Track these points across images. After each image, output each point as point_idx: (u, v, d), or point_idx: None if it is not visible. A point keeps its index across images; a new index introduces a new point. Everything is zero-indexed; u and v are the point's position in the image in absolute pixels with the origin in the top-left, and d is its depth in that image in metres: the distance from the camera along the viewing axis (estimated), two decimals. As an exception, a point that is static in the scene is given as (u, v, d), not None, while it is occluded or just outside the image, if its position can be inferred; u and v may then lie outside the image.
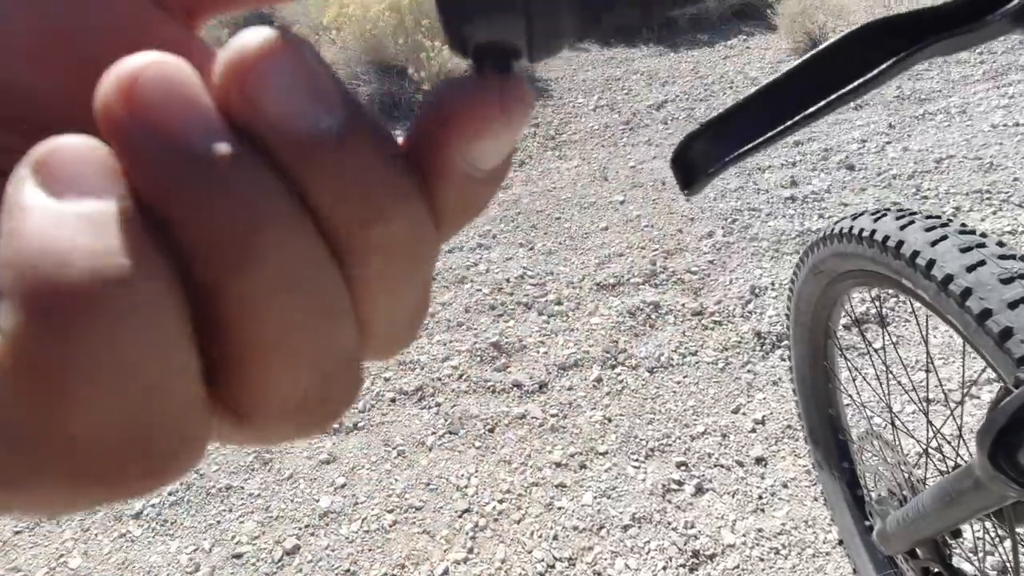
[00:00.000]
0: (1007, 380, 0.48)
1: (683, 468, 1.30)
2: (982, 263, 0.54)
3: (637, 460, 1.33)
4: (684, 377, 1.52)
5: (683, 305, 1.74)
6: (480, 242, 2.21)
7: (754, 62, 3.26)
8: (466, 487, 1.32)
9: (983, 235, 0.59)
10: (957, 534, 0.68)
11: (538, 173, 2.57)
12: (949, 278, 0.55)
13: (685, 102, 2.95)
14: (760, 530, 1.17)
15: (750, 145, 0.20)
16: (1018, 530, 0.60)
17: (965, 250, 0.56)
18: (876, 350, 0.99)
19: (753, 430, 1.36)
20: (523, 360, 1.64)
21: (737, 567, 1.10)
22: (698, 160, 0.20)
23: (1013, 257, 0.55)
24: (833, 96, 0.18)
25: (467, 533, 1.22)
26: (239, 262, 0.08)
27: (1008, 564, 0.62)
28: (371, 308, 0.10)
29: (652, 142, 2.66)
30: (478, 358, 1.66)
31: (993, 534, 0.66)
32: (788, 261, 1.89)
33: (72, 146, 0.07)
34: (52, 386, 0.07)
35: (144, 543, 1.30)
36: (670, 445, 1.35)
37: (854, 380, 1.09)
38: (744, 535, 1.16)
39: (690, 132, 0.21)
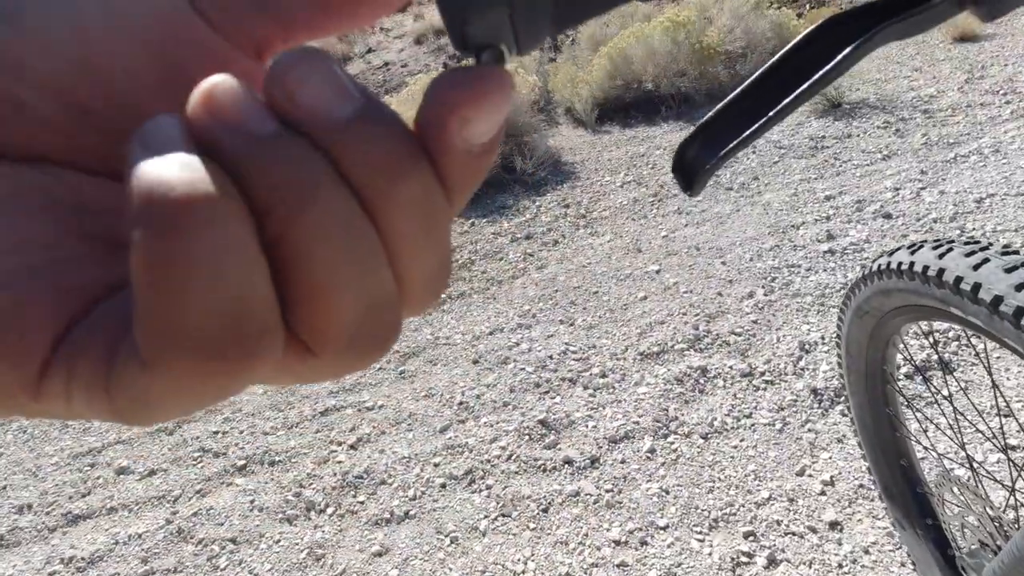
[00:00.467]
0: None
1: (751, 538, 1.22)
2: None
3: (701, 532, 1.26)
4: (741, 441, 1.45)
5: (731, 367, 1.70)
6: (520, 322, 2.24)
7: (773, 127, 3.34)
8: (523, 572, 1.26)
9: (1024, 255, 0.58)
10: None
11: (572, 251, 2.63)
12: (999, 299, 0.54)
13: (710, 170, 3.01)
14: (846, 603, 1.07)
15: (738, 140, 0.22)
16: None
17: (1010, 270, 0.55)
18: (945, 397, 0.95)
19: (823, 492, 1.28)
20: (572, 436, 1.61)
21: (825, 646, 1.01)
22: (695, 163, 0.22)
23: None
24: (802, 88, 0.20)
25: (528, 622, 1.16)
26: (295, 214, 0.11)
27: None
28: (400, 262, 0.12)
29: (681, 211, 2.70)
30: (526, 437, 1.64)
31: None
32: (835, 314, 1.84)
33: (166, 120, 0.10)
34: (169, 280, 0.09)
35: (201, 650, 1.27)
36: (734, 514, 1.28)
37: (924, 430, 1.03)
38: (828, 610, 1.07)
39: (683, 140, 0.23)
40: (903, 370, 1.49)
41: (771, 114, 0.21)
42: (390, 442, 1.76)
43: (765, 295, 1.99)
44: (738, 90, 0.23)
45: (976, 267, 0.57)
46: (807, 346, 1.71)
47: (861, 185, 2.51)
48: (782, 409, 1.51)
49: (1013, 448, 1.15)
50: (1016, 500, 0.68)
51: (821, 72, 0.19)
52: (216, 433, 2.03)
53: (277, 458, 1.80)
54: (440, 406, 1.86)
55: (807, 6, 5.69)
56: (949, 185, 2.32)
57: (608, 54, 4.27)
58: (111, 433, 2.20)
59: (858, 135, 2.93)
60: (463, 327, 2.31)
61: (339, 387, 2.10)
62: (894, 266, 0.69)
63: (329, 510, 1.55)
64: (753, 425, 1.49)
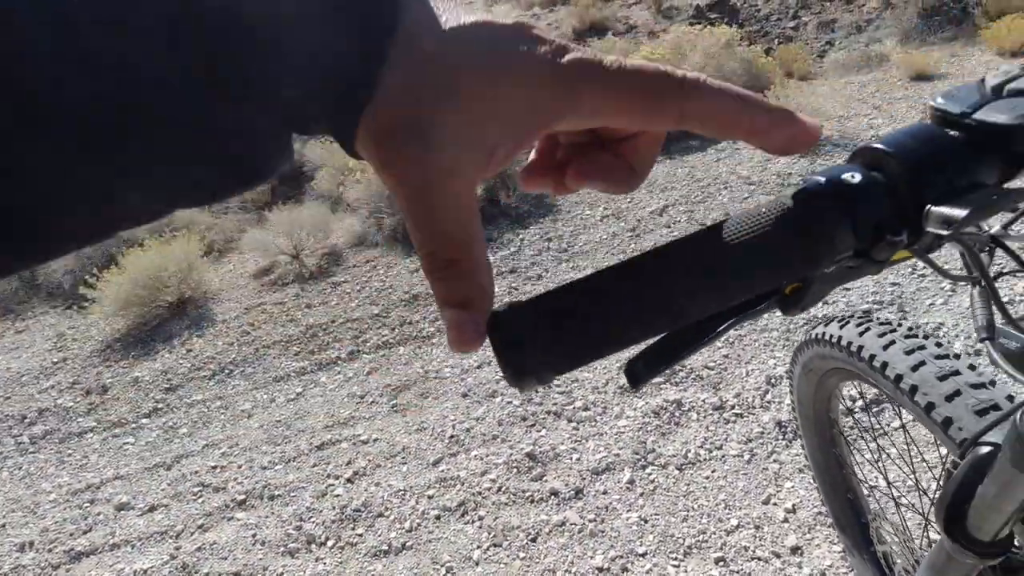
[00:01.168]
0: (952, 461, 0.59)
1: (721, 564, 1.34)
2: (923, 363, 0.66)
3: (676, 559, 1.38)
4: (712, 472, 1.58)
5: (704, 401, 1.83)
6: (506, 355, 2.35)
7: (744, 162, 3.52)
8: (515, 599, 1.37)
9: (925, 336, 0.71)
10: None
11: (555, 285, 2.75)
12: (900, 377, 0.67)
13: (685, 205, 3.17)
14: (805, 622, 1.19)
15: (674, 361, 0.33)
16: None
17: (909, 352, 0.68)
18: (875, 436, 1.08)
19: (785, 519, 1.41)
20: (558, 468, 1.72)
21: (786, 662, 1.13)
22: (641, 371, 0.33)
23: (947, 356, 0.67)
24: (716, 332, 0.32)
25: (520, 646, 1.26)
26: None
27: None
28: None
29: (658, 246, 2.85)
30: (515, 469, 1.75)
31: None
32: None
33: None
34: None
35: None
36: (706, 541, 1.40)
37: (859, 465, 1.17)
38: (790, 629, 1.19)
39: (632, 357, 0.34)
40: (859, 403, 1.63)
41: (697, 344, 0.32)
42: (385, 475, 1.85)
43: (736, 331, 2.14)
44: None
45: (885, 347, 0.71)
46: (773, 380, 1.85)
47: (824, 222, 2.68)
48: (750, 441, 1.65)
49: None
50: (926, 534, 0.81)
51: (701, 341, 0.31)
52: (215, 468, 2.11)
53: (276, 492, 1.89)
54: (432, 439, 1.97)
55: (776, 41, 5.97)
56: (903, 224, 2.50)
57: (587, 89, 4.45)
58: (108, 469, 2.26)
59: (821, 173, 3.12)
60: (452, 361, 2.41)
61: (334, 421, 2.19)
62: (827, 337, 0.82)
63: (329, 543, 1.63)
64: (724, 456, 1.62)
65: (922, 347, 0.69)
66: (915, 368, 0.67)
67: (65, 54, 0.16)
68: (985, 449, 0.50)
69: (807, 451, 1.14)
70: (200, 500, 1.96)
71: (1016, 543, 0.55)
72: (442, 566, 1.49)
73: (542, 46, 0.21)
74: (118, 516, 2.00)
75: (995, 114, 0.25)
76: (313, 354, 2.70)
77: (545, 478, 1.70)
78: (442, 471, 1.81)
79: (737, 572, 1.32)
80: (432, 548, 1.55)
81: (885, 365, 0.70)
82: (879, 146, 0.25)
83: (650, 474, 1.62)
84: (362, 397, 2.30)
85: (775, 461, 1.57)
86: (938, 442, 0.63)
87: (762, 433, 1.66)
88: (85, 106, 0.17)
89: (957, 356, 0.67)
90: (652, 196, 3.38)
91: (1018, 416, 0.43)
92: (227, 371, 2.72)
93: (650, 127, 0.23)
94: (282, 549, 1.65)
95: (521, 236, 3.26)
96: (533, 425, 1.92)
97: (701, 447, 1.66)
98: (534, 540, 1.51)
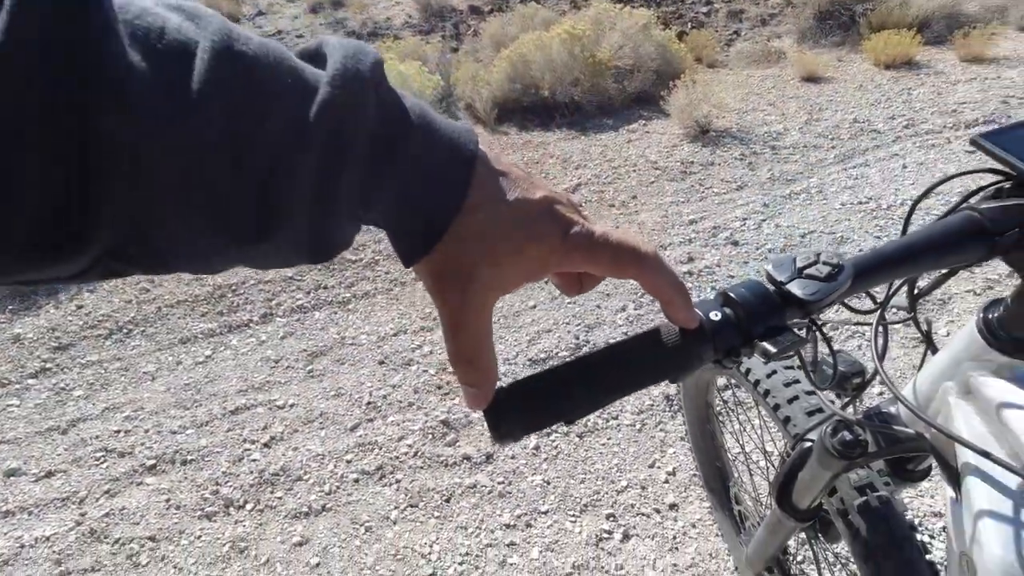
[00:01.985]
0: (786, 450, 0.77)
1: (612, 519, 1.55)
2: (775, 372, 0.84)
3: (574, 516, 1.57)
4: (608, 439, 1.79)
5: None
6: (423, 325, 2.44)
7: (653, 146, 3.74)
8: (430, 554, 1.51)
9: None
10: (786, 552, 0.96)
11: (471, 256, 2.85)
12: (758, 382, 0.85)
13: (596, 185, 3.35)
14: (675, 565, 1.42)
15: (561, 418, 0.42)
16: (826, 547, 0.89)
17: (766, 362, 0.86)
18: (738, 416, 1.30)
19: (667, 481, 1.64)
20: (470, 434, 1.86)
21: (658, 599, 1.35)
22: (513, 417, 0.35)
23: (792, 368, 0.85)
24: (609, 397, 0.43)
25: (434, 595, 1.41)
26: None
27: (821, 566, 0.90)
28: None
29: (570, 224, 3.01)
30: (430, 435, 1.87)
31: (810, 550, 0.95)
32: (688, 329, 2.23)
33: None
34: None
35: (130, 639, 1.39)
36: (600, 500, 1.60)
37: (726, 439, 1.40)
38: (663, 571, 1.42)
39: (500, 387, 0.35)
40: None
41: (583, 410, 0.42)
42: (303, 440, 1.91)
43: (635, 309, 2.35)
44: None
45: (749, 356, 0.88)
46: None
47: (718, 212, 2.96)
48: (642, 412, 1.87)
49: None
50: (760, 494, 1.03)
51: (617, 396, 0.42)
52: (118, 432, 2.06)
53: (189, 457, 1.89)
54: (350, 405, 2.04)
55: (688, 25, 6.24)
56: (783, 219, 2.81)
57: (509, 58, 4.48)
58: (-6, 431, 2.14)
59: (719, 164, 3.40)
60: (368, 327, 2.47)
61: (248, 386, 2.19)
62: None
63: (248, 506, 1.69)
64: (619, 426, 1.83)
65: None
66: (769, 376, 0.84)
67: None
68: (807, 444, 0.68)
69: (686, 424, 1.35)
70: (104, 465, 1.92)
71: (824, 508, 0.74)
72: (361, 525, 1.60)
73: (557, 224, 0.31)
74: (8, 483, 1.92)
75: (796, 288, 0.38)
76: (222, 315, 2.64)
77: (458, 444, 1.84)
78: (360, 436, 1.90)
79: (624, 525, 1.53)
80: (351, 509, 1.65)
81: (748, 371, 0.87)
82: (732, 295, 0.38)
83: (553, 441, 1.80)
84: (277, 361, 2.31)
85: (661, 430, 1.79)
86: (781, 434, 0.81)
87: (652, 406, 1.88)
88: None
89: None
90: (567, 173, 3.53)
91: (824, 428, 0.60)
92: (126, 331, 2.61)
93: (611, 277, 0.34)
94: (199, 513, 1.69)
95: (439, 204, 3.31)
96: (447, 394, 2.04)
97: (600, 416, 1.86)
98: (448, 501, 1.65)
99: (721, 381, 1.55)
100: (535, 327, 2.32)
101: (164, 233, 0.23)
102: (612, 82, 4.48)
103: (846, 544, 0.71)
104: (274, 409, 2.06)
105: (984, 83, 4.06)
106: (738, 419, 1.19)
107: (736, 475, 1.26)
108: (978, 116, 3.58)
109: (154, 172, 0.22)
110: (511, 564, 1.47)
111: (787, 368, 0.85)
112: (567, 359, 0.40)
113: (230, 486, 1.76)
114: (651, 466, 1.69)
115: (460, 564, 1.48)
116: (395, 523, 1.60)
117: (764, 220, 2.83)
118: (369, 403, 2.03)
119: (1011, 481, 0.41)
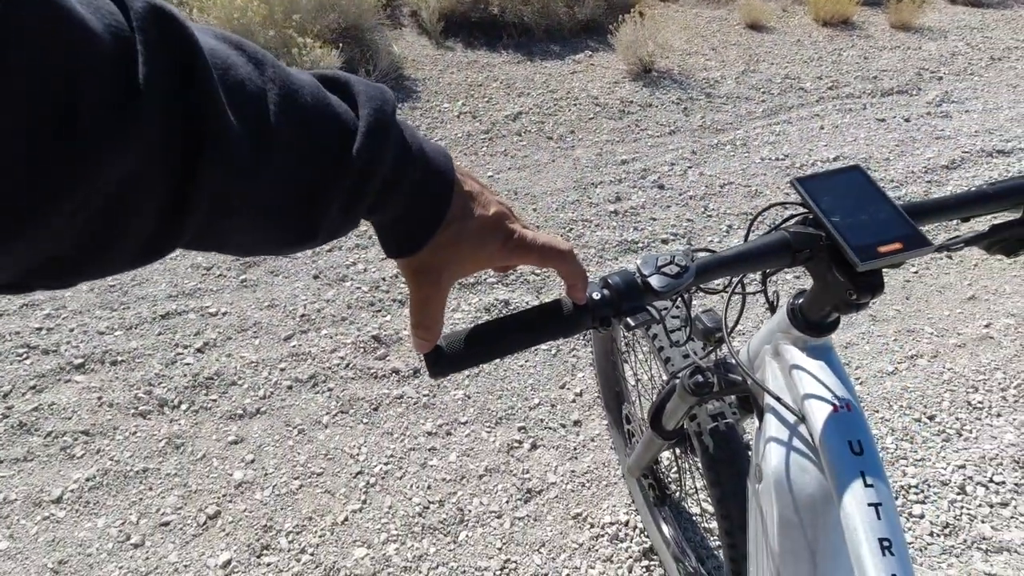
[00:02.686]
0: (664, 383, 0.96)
1: (523, 431, 1.76)
2: (664, 321, 1.01)
3: (489, 427, 1.77)
4: (526, 362, 1.98)
5: (527, 303, 2.20)
6: (358, 242, 2.50)
7: (596, 80, 3.79)
8: (358, 454, 1.67)
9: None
10: (657, 462, 1.18)
11: (409, 177, 2.88)
12: (655, 336, 1.02)
13: (537, 115, 3.39)
14: (573, 471, 1.66)
15: (480, 362, 0.56)
16: (687, 459, 1.10)
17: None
18: (635, 352, 1.50)
19: (574, 400, 1.86)
20: (400, 350, 2.00)
21: (556, 497, 1.59)
22: (445, 360, 0.51)
23: (679, 318, 1.03)
24: (518, 348, 0.57)
25: (361, 489, 1.59)
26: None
27: (680, 473, 1.12)
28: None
29: (508, 153, 3.08)
30: (361, 349, 1.99)
31: (675, 461, 1.17)
32: (608, 266, 2.42)
33: None
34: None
35: (70, 523, 1.50)
36: (514, 414, 1.81)
37: (624, 367, 1.60)
38: (563, 476, 1.65)
39: (443, 336, 0.54)
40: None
41: (507, 351, 0.57)
42: (237, 347, 1.99)
43: (568, 231, 2.51)
44: (495, 319, 0.58)
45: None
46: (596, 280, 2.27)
47: (649, 154, 3.10)
48: (558, 340, 2.06)
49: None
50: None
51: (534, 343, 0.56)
52: (40, 329, 2.05)
53: (119, 358, 1.94)
54: (283, 316, 2.12)
55: (646, -48, 6.10)
56: (707, 168, 3.00)
57: (460, -33, 4.28)
58: (-99, 320, 2.07)
59: (657, 106, 3.51)
60: (303, 241, 2.50)
61: (178, 291, 2.21)
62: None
63: (183, 407, 1.78)
64: (536, 350, 2.02)
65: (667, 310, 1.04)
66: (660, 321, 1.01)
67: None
68: (676, 381, 0.86)
69: (594, 354, 1.54)
70: (28, 362, 1.93)
71: (686, 429, 0.94)
72: (294, 428, 1.73)
73: (503, 234, 0.43)
74: (-76, 372, 1.90)
75: (654, 280, 0.51)
76: (148, 217, 2.58)
77: (388, 358, 1.98)
78: (294, 346, 2.00)
79: (533, 437, 1.75)
80: (285, 413, 1.78)
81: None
82: (609, 281, 0.51)
83: (477, 360, 1.97)
84: (208, 269, 2.33)
85: (574, 356, 2.00)
86: (662, 370, 1.00)
87: (568, 333, 2.08)
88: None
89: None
90: (509, 99, 3.54)
91: (684, 375, 0.78)
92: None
93: (538, 267, 0.47)
94: (132, 411, 1.76)
95: (379, 120, 3.26)
96: (380, 311, 2.16)
97: (520, 341, 2.04)
98: (376, 409, 1.81)
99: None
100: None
101: (232, 240, 0.33)
102: (563, 6, 4.40)
103: (697, 457, 0.91)
104: (207, 316, 2.11)
105: (906, 52, 4.31)
106: (635, 354, 1.38)
107: (630, 400, 1.47)
108: (894, 85, 3.84)
109: (234, 203, 0.30)
110: (431, 466, 1.66)
111: (674, 318, 1.03)
112: (488, 319, 0.55)
113: (163, 387, 1.83)
114: (562, 387, 1.90)
115: (385, 464, 1.66)
116: (326, 427, 1.75)
117: (690, 167, 3.00)
118: (303, 316, 2.12)
119: (791, 418, 0.58)
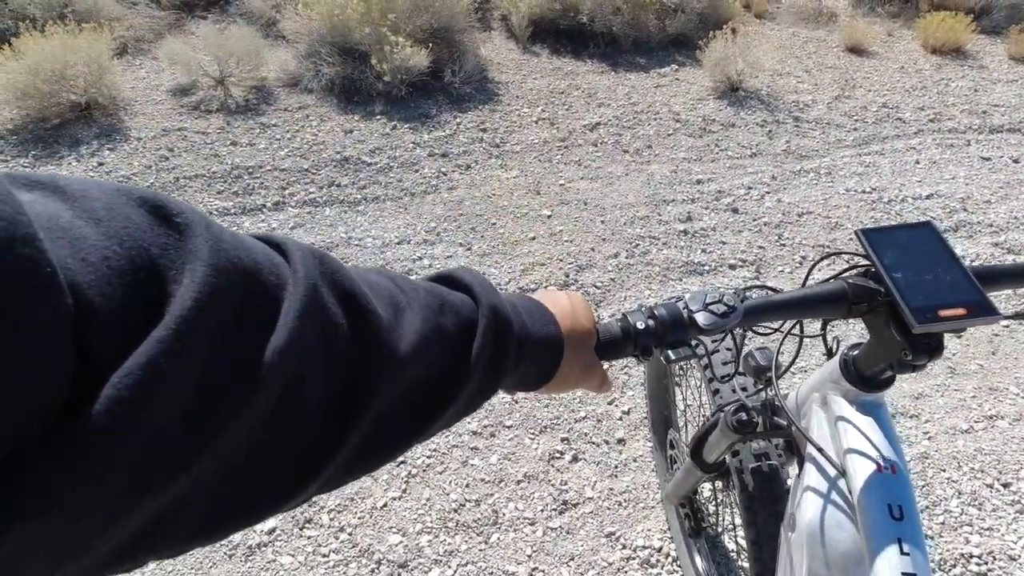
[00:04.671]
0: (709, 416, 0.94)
1: (565, 442, 1.77)
2: (718, 351, 1.00)
3: (533, 434, 1.78)
4: (577, 374, 1.98)
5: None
6: (426, 238, 2.57)
7: (680, 96, 3.73)
8: (403, 445, 1.73)
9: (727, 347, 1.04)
10: (696, 492, 1.16)
11: (481, 179, 2.94)
12: (703, 356, 1.00)
13: (615, 127, 3.38)
14: (611, 489, 1.65)
15: None
16: (726, 495, 1.08)
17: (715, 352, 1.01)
18: (687, 378, 1.47)
19: (620, 418, 1.84)
20: (455, 348, 2.05)
21: (591, 512, 1.58)
22: None
23: (731, 361, 1.00)
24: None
25: (402, 478, 1.64)
26: None
27: (719, 507, 1.10)
28: None
29: (582, 163, 3.08)
30: (418, 343, 2.05)
31: (713, 493, 1.14)
32: (672, 286, 2.38)
33: None
34: None
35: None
36: (559, 424, 1.81)
37: (675, 395, 1.58)
38: (600, 492, 1.64)
39: None
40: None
41: None
42: (303, 328, 2.09)
43: (627, 258, 2.49)
44: None
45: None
46: (643, 308, 2.24)
47: (726, 176, 3.02)
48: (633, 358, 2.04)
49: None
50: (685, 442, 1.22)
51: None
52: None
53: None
54: (348, 303, 2.21)
55: (746, -33, 5.93)
56: (786, 195, 2.89)
57: (554, -25, 4.32)
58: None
59: (740, 127, 3.42)
60: (375, 231, 2.60)
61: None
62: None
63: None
64: (588, 363, 2.01)
65: (718, 342, 1.02)
66: (713, 354, 1.00)
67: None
68: (720, 415, 0.84)
69: (646, 376, 1.52)
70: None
71: (727, 464, 0.92)
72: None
73: (592, 382, 0.49)
74: None
75: (700, 317, 0.51)
76: (237, 196, 2.76)
77: (442, 354, 2.03)
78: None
79: (575, 449, 1.75)
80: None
81: (698, 346, 1.03)
82: (656, 313, 0.51)
83: (528, 366, 1.99)
84: (285, 250, 2.46)
85: (626, 374, 1.98)
86: (710, 401, 0.98)
87: (622, 350, 2.06)
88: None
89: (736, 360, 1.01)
90: (589, 109, 3.54)
91: (728, 411, 0.76)
92: (144, 194, 2.73)
93: None
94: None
95: (458, 120, 3.34)
96: (440, 308, 2.21)
97: (573, 352, 2.04)
98: (425, 402, 1.86)
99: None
100: (530, 258, 2.46)
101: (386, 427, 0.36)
102: (654, 18, 4.36)
103: (736, 494, 0.89)
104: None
105: None
106: (688, 381, 1.36)
107: (677, 426, 1.45)
108: (1005, 122, 3.57)
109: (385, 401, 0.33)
110: (472, 464, 1.70)
111: (728, 350, 1.01)
112: None
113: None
114: (610, 403, 1.89)
115: (428, 457, 1.71)
116: (446, 428, 1.81)
117: (768, 192, 2.91)
118: (366, 304, 2.20)
119: (831, 471, 0.57)
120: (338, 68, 3.48)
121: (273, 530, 1.52)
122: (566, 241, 2.57)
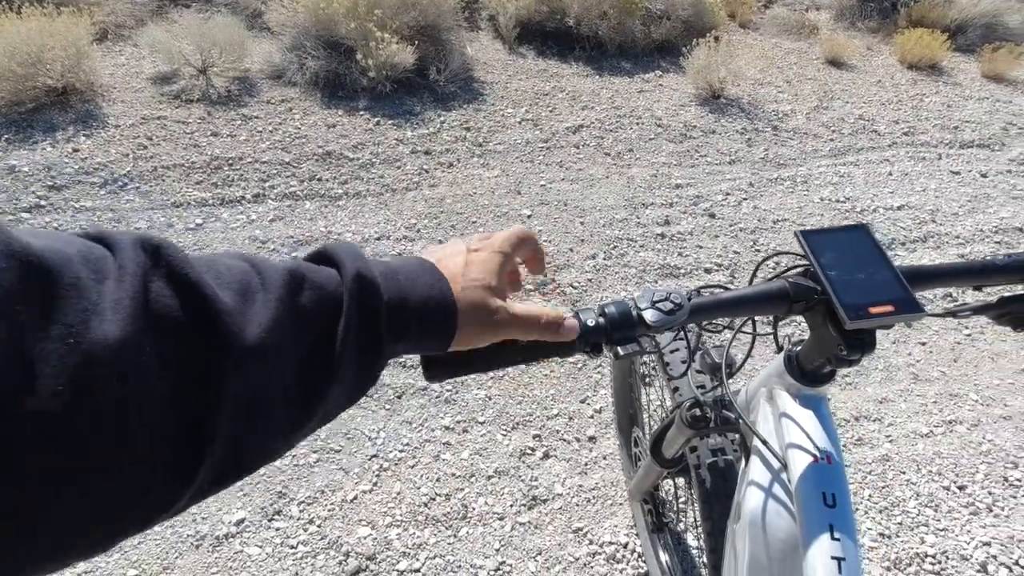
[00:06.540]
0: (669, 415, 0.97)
1: (537, 439, 1.79)
2: (677, 350, 1.02)
3: (505, 430, 1.80)
4: (551, 372, 2.00)
5: (561, 314, 2.22)
6: (406, 234, 2.58)
7: (663, 101, 3.77)
8: (375, 438, 1.74)
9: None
10: (657, 488, 1.18)
11: (463, 177, 2.95)
12: (667, 363, 1.03)
13: (597, 130, 3.41)
14: (581, 486, 1.67)
15: (472, 372, 0.57)
16: (687, 491, 1.11)
17: (674, 351, 1.04)
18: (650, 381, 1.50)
19: (592, 416, 1.87)
20: (430, 344, 2.06)
21: (559, 508, 1.61)
22: (438, 366, 0.50)
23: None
24: (510, 365, 0.59)
25: (373, 471, 1.65)
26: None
27: (677, 502, 1.12)
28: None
29: (563, 164, 3.11)
30: (394, 338, 2.06)
31: (674, 489, 1.17)
32: (645, 287, 2.41)
33: None
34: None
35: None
36: (531, 422, 1.83)
37: (639, 394, 1.61)
38: (570, 488, 1.67)
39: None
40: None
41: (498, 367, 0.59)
42: (278, 320, 2.09)
43: (604, 260, 2.52)
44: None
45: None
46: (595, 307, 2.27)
47: (705, 181, 3.07)
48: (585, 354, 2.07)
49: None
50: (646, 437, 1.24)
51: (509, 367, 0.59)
52: (107, 278, 2.21)
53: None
54: (325, 297, 2.21)
55: (732, -24, 6.02)
56: (763, 202, 2.95)
57: (542, -23, 4.34)
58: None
59: (720, 134, 3.47)
60: (355, 227, 2.60)
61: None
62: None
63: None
64: (562, 362, 2.04)
65: (680, 340, 1.05)
66: (672, 352, 1.03)
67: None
68: (678, 413, 0.87)
69: (612, 376, 1.55)
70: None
71: (685, 460, 0.95)
72: (320, 404, 1.81)
73: (490, 314, 0.45)
74: None
75: (648, 314, 0.53)
76: (216, 187, 2.74)
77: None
78: (330, 327, 2.08)
79: (546, 446, 1.77)
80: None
81: (658, 345, 1.05)
82: (606, 310, 0.53)
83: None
84: (263, 242, 2.45)
85: (599, 373, 2.01)
86: (670, 398, 1.01)
87: (596, 350, 2.09)
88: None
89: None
90: (572, 111, 3.57)
91: (683, 407, 0.79)
92: (121, 183, 2.70)
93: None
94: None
95: (442, 118, 3.35)
96: (417, 304, 2.22)
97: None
98: (399, 397, 1.87)
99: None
100: (509, 258, 2.47)
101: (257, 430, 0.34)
102: (639, 24, 4.41)
103: (693, 488, 0.91)
104: (255, 287, 2.22)
105: (995, 105, 4.11)
106: (655, 381, 1.39)
107: (641, 424, 1.48)
108: (976, 138, 3.67)
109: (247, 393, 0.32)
110: (443, 459, 1.71)
111: (687, 348, 1.03)
112: None
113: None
114: (582, 401, 1.91)
115: (400, 451, 1.72)
116: (347, 409, 1.81)
117: (745, 199, 2.96)
118: (343, 298, 2.20)
119: (774, 463, 0.59)
120: (323, 62, 3.47)
121: (241, 521, 1.52)
122: (545, 241, 2.59)
